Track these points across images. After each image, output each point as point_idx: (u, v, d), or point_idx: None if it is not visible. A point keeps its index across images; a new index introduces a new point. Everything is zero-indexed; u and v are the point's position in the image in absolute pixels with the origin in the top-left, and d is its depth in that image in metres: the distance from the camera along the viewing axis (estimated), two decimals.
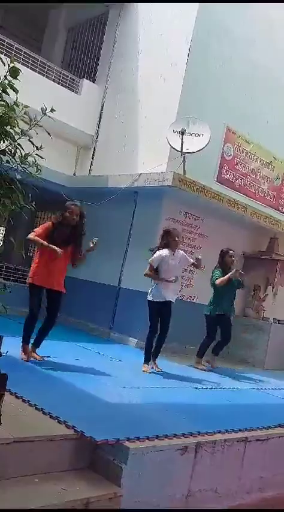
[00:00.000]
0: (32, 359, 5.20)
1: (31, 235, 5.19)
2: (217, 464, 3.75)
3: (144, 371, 6.02)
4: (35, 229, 5.31)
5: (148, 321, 6.21)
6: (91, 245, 5.41)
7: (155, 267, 6.11)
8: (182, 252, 6.41)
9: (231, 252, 7.29)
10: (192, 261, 6.36)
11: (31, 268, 5.33)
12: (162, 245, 6.18)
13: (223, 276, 7.08)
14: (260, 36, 9.49)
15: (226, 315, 7.30)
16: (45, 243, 5.11)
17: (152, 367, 6.22)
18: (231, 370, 7.65)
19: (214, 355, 7.48)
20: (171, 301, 6.20)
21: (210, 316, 7.25)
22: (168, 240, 6.15)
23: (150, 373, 6.06)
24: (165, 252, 6.11)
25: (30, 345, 5.29)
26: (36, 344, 5.34)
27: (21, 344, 5.24)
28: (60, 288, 5.35)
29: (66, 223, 5.25)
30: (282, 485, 4.44)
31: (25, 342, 5.25)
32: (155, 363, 6.28)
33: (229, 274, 7.04)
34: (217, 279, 7.10)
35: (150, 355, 6.18)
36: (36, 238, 5.14)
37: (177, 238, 6.20)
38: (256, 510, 4.08)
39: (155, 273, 6.13)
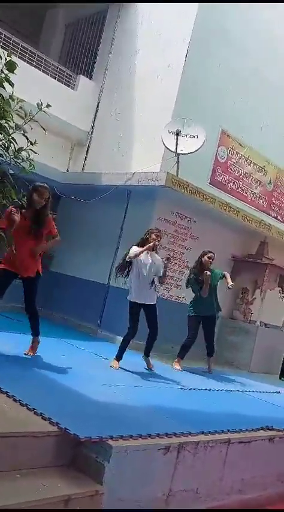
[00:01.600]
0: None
1: None
2: (198, 465, 3.77)
3: (111, 366, 5.90)
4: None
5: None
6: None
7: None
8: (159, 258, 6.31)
9: (211, 254, 7.21)
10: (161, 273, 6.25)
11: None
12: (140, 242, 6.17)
13: (197, 280, 7.09)
14: (258, 40, 9.54)
15: (208, 317, 7.26)
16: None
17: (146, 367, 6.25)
18: (217, 371, 7.68)
19: (209, 357, 7.47)
20: (145, 303, 6.10)
21: (189, 317, 7.23)
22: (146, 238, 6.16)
23: (119, 368, 5.97)
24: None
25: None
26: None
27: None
28: (29, 273, 5.01)
29: (31, 205, 4.83)
30: (262, 487, 4.47)
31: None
32: (148, 357, 6.34)
33: (204, 280, 7.03)
34: (191, 285, 7.16)
35: (123, 353, 6.04)
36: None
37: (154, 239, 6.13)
38: (256, 510, 4.11)
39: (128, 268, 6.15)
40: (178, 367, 7.02)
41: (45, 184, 4.95)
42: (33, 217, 4.90)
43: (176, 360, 7.15)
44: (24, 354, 5.17)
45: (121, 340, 7.84)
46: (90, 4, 10.17)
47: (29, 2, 10.55)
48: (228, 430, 4.23)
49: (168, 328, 7.81)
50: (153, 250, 6.17)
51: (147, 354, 6.39)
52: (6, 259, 4.96)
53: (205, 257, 7.18)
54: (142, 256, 6.07)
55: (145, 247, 6.02)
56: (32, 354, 5.22)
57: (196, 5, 8.31)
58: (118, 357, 6.01)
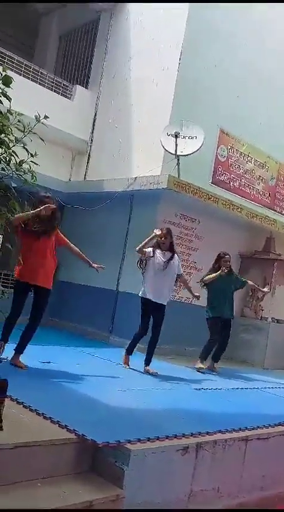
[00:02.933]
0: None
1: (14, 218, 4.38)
2: (218, 463, 3.78)
3: (122, 364, 6.06)
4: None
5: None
6: (96, 266, 5.53)
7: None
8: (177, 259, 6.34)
9: (227, 256, 7.29)
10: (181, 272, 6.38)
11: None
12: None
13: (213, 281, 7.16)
14: (252, 37, 9.56)
15: (225, 319, 7.33)
16: (29, 213, 4.68)
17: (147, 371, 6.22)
18: (231, 370, 7.67)
19: (213, 361, 7.45)
20: (156, 302, 6.09)
21: (210, 319, 7.25)
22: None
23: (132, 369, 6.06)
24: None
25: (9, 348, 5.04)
26: (20, 350, 4.99)
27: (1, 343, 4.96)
28: (43, 284, 5.00)
29: (40, 218, 4.83)
30: (283, 483, 4.46)
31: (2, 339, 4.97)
32: (148, 366, 6.20)
33: (218, 272, 7.12)
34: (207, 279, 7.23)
35: (133, 348, 6.20)
36: (19, 215, 4.45)
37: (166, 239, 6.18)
38: (257, 510, 4.10)
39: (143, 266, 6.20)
40: (201, 367, 7.05)
41: (49, 194, 5.02)
42: (44, 224, 4.90)
43: (199, 361, 7.15)
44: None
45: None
46: (82, 14, 10.27)
47: (29, 2, 10.63)
48: (246, 428, 4.23)
49: (179, 330, 7.83)
50: (164, 249, 6.19)
51: (148, 363, 6.23)
52: (18, 270, 4.98)
53: (222, 261, 7.24)
54: (157, 255, 6.12)
55: (146, 240, 6.10)
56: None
57: (186, 7, 8.35)
58: (129, 351, 6.12)
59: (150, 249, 6.14)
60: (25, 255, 4.94)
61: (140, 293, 6.19)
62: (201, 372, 6.96)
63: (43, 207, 4.76)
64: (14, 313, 5.00)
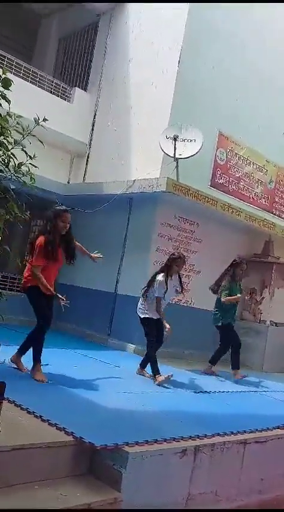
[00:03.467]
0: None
1: (37, 273, 4.78)
2: (216, 467, 3.77)
3: (160, 382, 5.74)
4: (36, 258, 4.81)
5: (149, 336, 6.07)
6: (96, 255, 5.45)
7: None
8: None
9: (244, 265, 7.25)
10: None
11: (28, 274, 4.94)
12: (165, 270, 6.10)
13: (231, 291, 7.07)
14: (252, 40, 9.59)
15: (232, 325, 7.34)
16: (43, 283, 4.82)
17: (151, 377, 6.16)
18: (229, 373, 7.65)
19: (212, 364, 7.38)
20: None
21: (226, 326, 7.19)
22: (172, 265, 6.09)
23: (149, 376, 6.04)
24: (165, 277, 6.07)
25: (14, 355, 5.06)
26: (23, 352, 5.01)
27: (35, 364, 4.83)
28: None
29: (58, 232, 4.87)
30: (281, 486, 4.45)
31: (38, 360, 4.86)
32: (143, 370, 6.22)
33: (236, 297, 7.08)
34: (225, 296, 7.08)
35: (157, 366, 5.95)
36: (43, 281, 4.80)
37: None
38: (257, 510, 4.09)
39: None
40: (212, 371, 7.19)
41: (65, 207, 5.01)
42: (63, 245, 4.95)
43: (208, 366, 7.27)
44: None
45: (131, 347, 7.89)
46: (81, 17, 10.30)
47: (29, 1, 10.66)
48: (244, 431, 4.23)
49: (178, 333, 7.82)
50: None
51: (144, 366, 6.23)
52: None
53: (238, 269, 7.16)
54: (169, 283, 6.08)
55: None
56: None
57: (185, 9, 8.37)
58: (158, 371, 5.89)
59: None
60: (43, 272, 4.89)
61: (149, 315, 6.09)
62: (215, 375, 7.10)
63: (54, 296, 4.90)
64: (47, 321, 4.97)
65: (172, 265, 6.07)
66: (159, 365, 5.92)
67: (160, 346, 6.21)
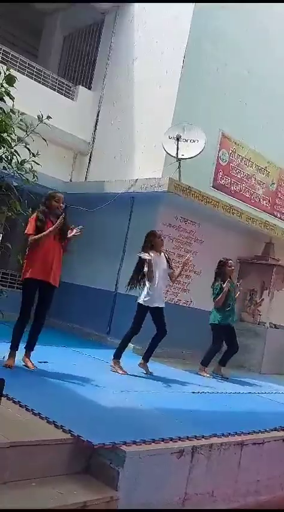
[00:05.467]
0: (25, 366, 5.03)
1: (30, 239, 4.95)
2: (213, 467, 3.77)
3: (113, 366, 5.93)
4: (27, 230, 4.99)
5: (133, 321, 6.11)
6: (76, 231, 5.26)
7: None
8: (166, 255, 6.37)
9: (230, 262, 7.30)
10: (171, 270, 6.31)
11: (23, 265, 5.04)
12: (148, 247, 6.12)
13: (219, 291, 7.12)
14: (255, 41, 9.58)
15: (231, 325, 7.33)
16: (45, 232, 4.92)
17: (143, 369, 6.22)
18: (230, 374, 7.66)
19: (221, 365, 7.43)
20: (158, 307, 6.13)
21: (218, 326, 7.21)
22: (152, 240, 6.15)
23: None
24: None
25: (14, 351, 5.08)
26: (30, 348, 5.12)
27: (10, 351, 4.98)
28: (55, 283, 5.11)
29: (53, 212, 5.08)
30: (278, 488, 4.46)
31: (14, 349, 5.01)
32: (145, 364, 6.25)
33: (224, 290, 7.08)
34: (216, 296, 7.13)
35: (122, 352, 6.06)
36: (35, 236, 4.92)
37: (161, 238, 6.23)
38: (256, 510, 4.10)
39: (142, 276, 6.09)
40: (207, 374, 7.11)
41: (58, 192, 5.23)
42: (63, 221, 5.03)
43: (200, 368, 7.21)
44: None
45: (130, 346, 7.87)
46: (86, 15, 10.29)
47: (33, 2, 10.66)
48: (241, 432, 4.23)
49: (177, 333, 7.82)
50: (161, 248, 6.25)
51: (146, 359, 6.33)
52: (30, 267, 4.97)
53: (226, 267, 7.24)
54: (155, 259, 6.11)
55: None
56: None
57: (190, 10, 8.37)
58: (117, 356, 6.03)
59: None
60: (37, 254, 4.98)
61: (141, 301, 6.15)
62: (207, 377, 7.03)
63: (58, 222, 4.96)
64: (27, 314, 5.06)
65: (152, 241, 6.14)
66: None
67: (159, 341, 6.28)
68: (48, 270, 5.01)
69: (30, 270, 4.98)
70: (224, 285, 7.09)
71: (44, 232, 4.94)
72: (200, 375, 7.07)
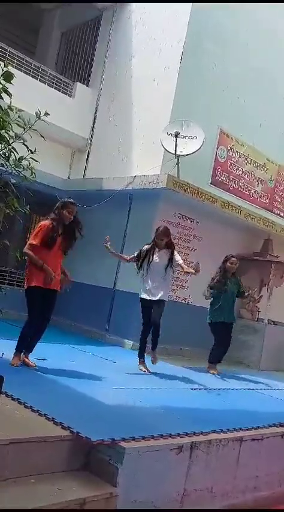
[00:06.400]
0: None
1: (28, 250, 4.94)
2: (212, 463, 3.78)
3: (141, 369, 6.17)
4: (33, 237, 5.01)
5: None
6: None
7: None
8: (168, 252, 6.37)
9: (233, 259, 7.24)
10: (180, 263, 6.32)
11: (26, 272, 5.12)
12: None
13: (219, 282, 7.10)
14: (253, 38, 9.56)
15: (227, 323, 7.26)
16: (39, 262, 4.92)
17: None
18: (227, 371, 7.66)
19: (209, 363, 7.35)
20: (151, 299, 6.16)
21: (212, 324, 7.22)
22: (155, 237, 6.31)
23: (144, 372, 6.14)
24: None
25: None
26: (29, 349, 5.13)
27: (16, 352, 5.02)
28: (56, 287, 5.15)
29: (61, 221, 5.10)
30: (276, 484, 4.47)
31: (20, 350, 5.06)
32: (154, 352, 6.33)
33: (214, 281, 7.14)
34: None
35: (142, 351, 6.33)
36: (33, 256, 4.93)
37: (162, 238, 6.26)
38: (256, 510, 4.11)
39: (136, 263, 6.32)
40: (215, 372, 7.17)
41: (73, 201, 5.22)
42: (65, 232, 5.13)
43: (209, 366, 7.25)
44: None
45: (129, 343, 7.89)
46: (84, 11, 10.26)
47: (30, 1, 10.62)
48: (240, 428, 4.24)
49: (176, 330, 7.84)
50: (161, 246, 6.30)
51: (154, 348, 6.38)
52: (34, 275, 5.00)
53: (228, 263, 7.19)
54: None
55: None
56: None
57: (189, 7, 8.35)
58: (141, 355, 6.33)
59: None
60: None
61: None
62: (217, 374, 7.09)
63: (50, 277, 4.96)
64: (36, 318, 5.08)
65: (155, 239, 6.28)
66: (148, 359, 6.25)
67: (147, 333, 6.33)
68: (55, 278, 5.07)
69: (35, 279, 4.99)
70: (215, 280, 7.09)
71: (39, 263, 4.92)
72: (208, 372, 7.11)
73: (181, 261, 6.29)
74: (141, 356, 6.32)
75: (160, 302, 6.19)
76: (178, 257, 6.29)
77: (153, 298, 6.16)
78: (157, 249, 6.23)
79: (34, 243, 4.96)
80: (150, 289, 6.18)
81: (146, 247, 6.29)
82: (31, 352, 5.15)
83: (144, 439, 3.39)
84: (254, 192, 9.97)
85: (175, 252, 6.33)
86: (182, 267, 6.28)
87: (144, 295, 6.22)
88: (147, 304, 6.22)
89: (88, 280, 8.89)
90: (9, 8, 10.69)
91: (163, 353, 7.49)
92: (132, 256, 6.41)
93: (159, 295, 6.17)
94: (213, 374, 7.07)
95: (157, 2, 8.89)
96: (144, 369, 6.18)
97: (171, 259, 6.23)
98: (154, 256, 6.19)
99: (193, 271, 6.26)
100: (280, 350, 9.43)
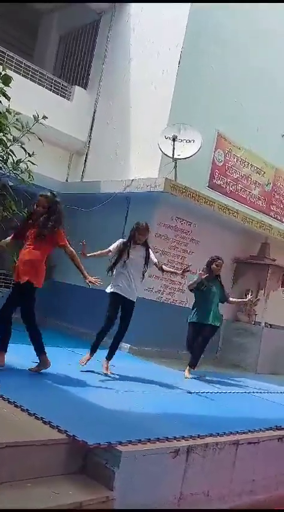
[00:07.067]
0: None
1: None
2: (208, 467, 3.78)
3: (81, 363, 5.68)
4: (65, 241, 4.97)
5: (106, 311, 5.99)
6: (92, 280, 5.29)
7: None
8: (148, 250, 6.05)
9: (219, 261, 7.00)
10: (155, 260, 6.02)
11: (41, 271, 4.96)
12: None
13: (199, 281, 6.86)
14: (252, 42, 9.59)
15: (203, 324, 6.85)
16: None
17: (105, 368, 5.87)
18: (223, 374, 7.68)
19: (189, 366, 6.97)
20: (125, 298, 5.84)
21: (189, 323, 6.99)
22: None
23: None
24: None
25: None
26: (4, 348, 4.90)
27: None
28: (27, 278, 4.73)
29: (34, 215, 4.64)
30: (273, 488, 4.47)
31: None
32: (107, 364, 5.88)
33: (195, 279, 6.92)
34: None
35: (97, 347, 5.83)
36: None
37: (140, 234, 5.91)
38: (256, 510, 4.11)
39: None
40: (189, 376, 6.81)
41: (48, 193, 4.65)
42: (39, 223, 4.72)
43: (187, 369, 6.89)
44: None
45: (126, 346, 7.87)
46: (83, 15, 10.29)
47: (29, 2, 10.63)
48: (236, 432, 4.24)
49: (172, 333, 7.84)
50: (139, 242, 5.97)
51: (109, 358, 5.96)
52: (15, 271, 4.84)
53: (214, 264, 6.99)
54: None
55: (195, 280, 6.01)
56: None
57: (187, 10, 8.38)
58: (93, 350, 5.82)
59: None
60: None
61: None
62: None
63: None
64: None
65: (134, 233, 5.93)
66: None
67: (107, 332, 5.92)
68: (19, 269, 4.84)
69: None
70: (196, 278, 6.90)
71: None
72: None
73: (156, 260, 6.02)
74: (94, 351, 5.81)
75: (132, 304, 5.92)
76: (153, 255, 6.02)
77: (128, 298, 5.84)
78: (133, 246, 5.90)
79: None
80: (126, 286, 5.83)
81: (122, 240, 5.97)
82: (6, 351, 4.91)
83: (140, 442, 3.39)
84: (252, 195, 10.00)
85: (150, 251, 6.03)
86: (157, 266, 6.03)
87: (116, 290, 5.84)
88: (119, 300, 5.87)
89: (84, 283, 8.86)
90: (8, 8, 10.70)
91: (160, 356, 7.49)
92: (113, 247, 5.94)
93: (134, 296, 5.91)
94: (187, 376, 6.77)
95: (155, 2, 8.92)
96: (84, 363, 5.70)
97: (147, 257, 5.92)
98: (131, 252, 5.86)
99: (175, 270, 6.12)
100: (277, 353, 9.44)
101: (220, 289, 7.06)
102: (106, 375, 5.71)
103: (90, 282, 5.32)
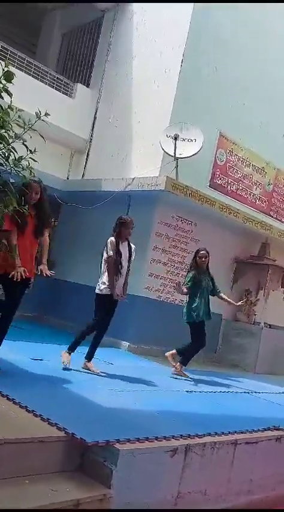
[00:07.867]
0: None
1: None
2: (206, 466, 3.78)
3: (63, 362, 5.41)
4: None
5: (95, 315, 5.82)
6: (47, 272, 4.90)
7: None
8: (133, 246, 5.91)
9: (202, 252, 6.76)
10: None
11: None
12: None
13: (195, 279, 6.71)
14: (254, 42, 9.58)
15: (203, 320, 6.78)
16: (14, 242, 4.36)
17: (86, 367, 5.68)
18: (222, 374, 7.68)
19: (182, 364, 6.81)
20: (116, 300, 5.74)
21: (194, 323, 6.78)
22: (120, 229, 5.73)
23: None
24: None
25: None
26: None
27: None
28: (31, 274, 4.61)
29: (28, 202, 4.38)
30: (270, 488, 4.47)
31: None
32: (90, 363, 5.72)
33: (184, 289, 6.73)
34: (187, 284, 6.76)
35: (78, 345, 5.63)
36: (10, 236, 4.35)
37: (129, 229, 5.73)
38: (256, 510, 4.11)
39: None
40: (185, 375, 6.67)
41: (36, 179, 4.45)
42: (35, 213, 4.64)
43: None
44: None
45: (125, 345, 7.87)
46: (86, 13, 10.27)
47: (31, 2, 10.62)
48: (235, 431, 4.24)
49: (172, 331, 7.83)
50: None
51: (91, 357, 5.79)
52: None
53: (197, 258, 6.75)
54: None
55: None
56: None
57: (190, 9, 8.37)
58: (72, 348, 5.60)
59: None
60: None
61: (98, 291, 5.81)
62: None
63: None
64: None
65: (121, 229, 5.73)
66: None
67: (102, 334, 5.82)
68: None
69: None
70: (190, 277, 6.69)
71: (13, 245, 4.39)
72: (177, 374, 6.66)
73: (133, 256, 5.84)
74: (73, 349, 5.61)
75: (116, 304, 5.80)
76: (133, 251, 5.84)
77: (119, 299, 5.74)
78: (122, 242, 5.73)
79: (7, 228, 4.32)
80: (119, 286, 5.69)
81: (112, 239, 5.72)
82: None
83: (138, 441, 3.39)
84: (253, 195, 9.99)
85: (132, 246, 5.85)
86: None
87: (110, 292, 5.64)
88: (112, 303, 5.76)
89: (84, 281, 8.86)
90: (10, 7, 10.68)
91: (159, 355, 7.48)
92: (112, 250, 5.68)
93: (124, 297, 5.80)
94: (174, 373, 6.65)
95: (158, 1, 8.90)
96: (67, 361, 5.46)
97: (131, 253, 5.78)
98: (121, 249, 5.70)
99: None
100: (276, 353, 9.44)
101: (210, 281, 6.86)
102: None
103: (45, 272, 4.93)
